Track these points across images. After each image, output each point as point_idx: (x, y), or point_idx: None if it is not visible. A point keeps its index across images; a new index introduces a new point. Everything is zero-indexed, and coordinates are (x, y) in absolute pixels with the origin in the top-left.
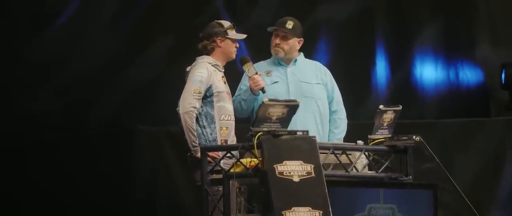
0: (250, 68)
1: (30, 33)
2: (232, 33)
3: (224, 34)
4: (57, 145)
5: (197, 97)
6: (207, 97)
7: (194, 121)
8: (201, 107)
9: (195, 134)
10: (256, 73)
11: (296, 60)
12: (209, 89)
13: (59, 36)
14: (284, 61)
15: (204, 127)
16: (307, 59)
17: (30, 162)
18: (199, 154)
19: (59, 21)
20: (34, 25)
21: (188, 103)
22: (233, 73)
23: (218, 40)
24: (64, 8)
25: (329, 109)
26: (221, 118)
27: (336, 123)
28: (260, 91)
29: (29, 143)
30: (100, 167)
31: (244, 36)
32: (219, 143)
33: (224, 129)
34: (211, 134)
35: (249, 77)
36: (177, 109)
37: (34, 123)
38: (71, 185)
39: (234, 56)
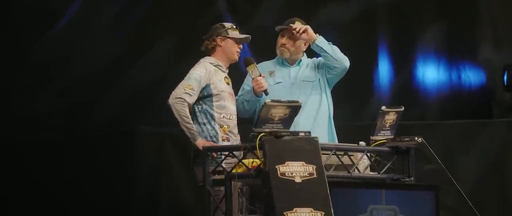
0: (254, 70)
1: (32, 35)
2: (234, 33)
3: (225, 33)
4: (59, 146)
5: (188, 92)
6: (206, 96)
7: (186, 108)
8: (200, 105)
9: (189, 120)
10: (260, 75)
11: (300, 61)
12: (207, 88)
13: (60, 38)
14: (288, 62)
15: (204, 124)
16: (309, 59)
17: (32, 163)
18: (198, 141)
19: (61, 23)
20: (36, 27)
21: (178, 93)
22: (237, 75)
23: (219, 39)
24: (66, 10)
25: None
26: (222, 116)
27: None
28: (263, 93)
29: (31, 145)
30: (102, 168)
31: (245, 36)
32: (220, 139)
33: (225, 127)
34: (212, 130)
35: (253, 79)
36: (167, 101)
37: (36, 125)
38: (73, 186)
39: (236, 57)
